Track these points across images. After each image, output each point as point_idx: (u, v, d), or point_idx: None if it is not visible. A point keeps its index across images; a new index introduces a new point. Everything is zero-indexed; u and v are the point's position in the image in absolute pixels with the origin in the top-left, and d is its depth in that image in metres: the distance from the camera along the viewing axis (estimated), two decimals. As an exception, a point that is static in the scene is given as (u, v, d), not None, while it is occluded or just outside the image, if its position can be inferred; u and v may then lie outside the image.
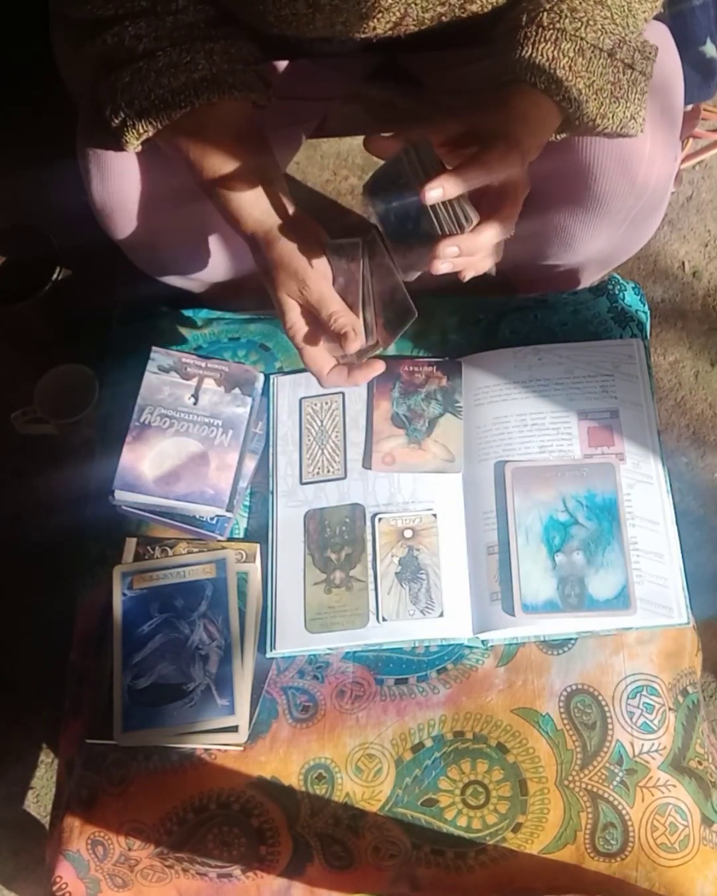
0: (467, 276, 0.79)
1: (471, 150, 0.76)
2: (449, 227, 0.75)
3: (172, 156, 0.87)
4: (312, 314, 0.81)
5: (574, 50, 0.79)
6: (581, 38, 0.79)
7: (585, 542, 0.89)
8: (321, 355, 0.83)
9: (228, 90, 0.83)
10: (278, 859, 0.86)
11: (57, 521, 1.14)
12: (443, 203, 0.75)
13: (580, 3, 0.80)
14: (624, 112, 0.82)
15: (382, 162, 0.80)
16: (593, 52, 0.79)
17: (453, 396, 0.98)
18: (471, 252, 0.75)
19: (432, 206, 0.75)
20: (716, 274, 1.51)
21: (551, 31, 0.79)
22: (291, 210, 0.83)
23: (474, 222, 0.75)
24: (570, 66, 0.79)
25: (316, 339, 0.82)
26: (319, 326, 0.82)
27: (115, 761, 0.89)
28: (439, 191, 0.73)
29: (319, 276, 0.80)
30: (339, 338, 0.79)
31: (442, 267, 0.75)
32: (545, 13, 0.80)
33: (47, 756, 1.32)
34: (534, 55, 0.79)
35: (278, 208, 0.83)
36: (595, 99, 0.80)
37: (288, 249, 0.81)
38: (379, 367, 0.84)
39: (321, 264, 0.81)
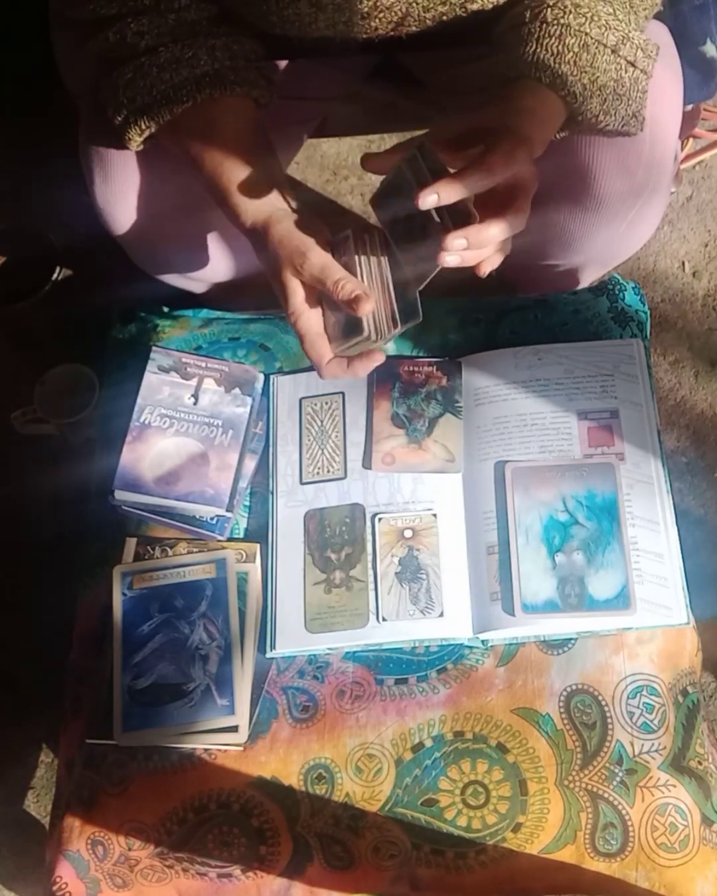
0: (485, 269, 0.78)
1: (476, 150, 0.76)
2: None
3: (176, 153, 0.87)
4: (316, 298, 0.80)
5: (579, 45, 0.79)
6: (586, 34, 0.79)
7: (585, 542, 0.90)
8: (322, 343, 0.82)
9: (230, 86, 0.83)
10: (278, 859, 0.86)
11: (57, 521, 1.14)
12: (446, 207, 0.75)
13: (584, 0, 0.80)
14: (626, 110, 0.83)
15: None
16: (597, 47, 0.80)
17: (453, 396, 0.98)
18: (480, 245, 0.74)
19: (438, 210, 0.75)
20: (716, 274, 1.51)
21: (556, 27, 0.79)
22: (293, 204, 0.83)
23: (477, 221, 0.75)
24: (575, 62, 0.79)
25: (318, 326, 0.81)
26: (320, 314, 0.80)
27: (115, 761, 0.89)
28: (433, 196, 0.73)
29: (319, 250, 0.78)
30: (349, 303, 0.77)
31: (450, 260, 0.74)
32: (549, 9, 0.80)
33: (47, 756, 1.32)
34: (539, 51, 0.79)
35: (280, 202, 0.83)
36: (599, 95, 0.81)
37: (288, 230, 0.80)
38: (379, 359, 0.82)
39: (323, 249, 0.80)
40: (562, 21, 0.79)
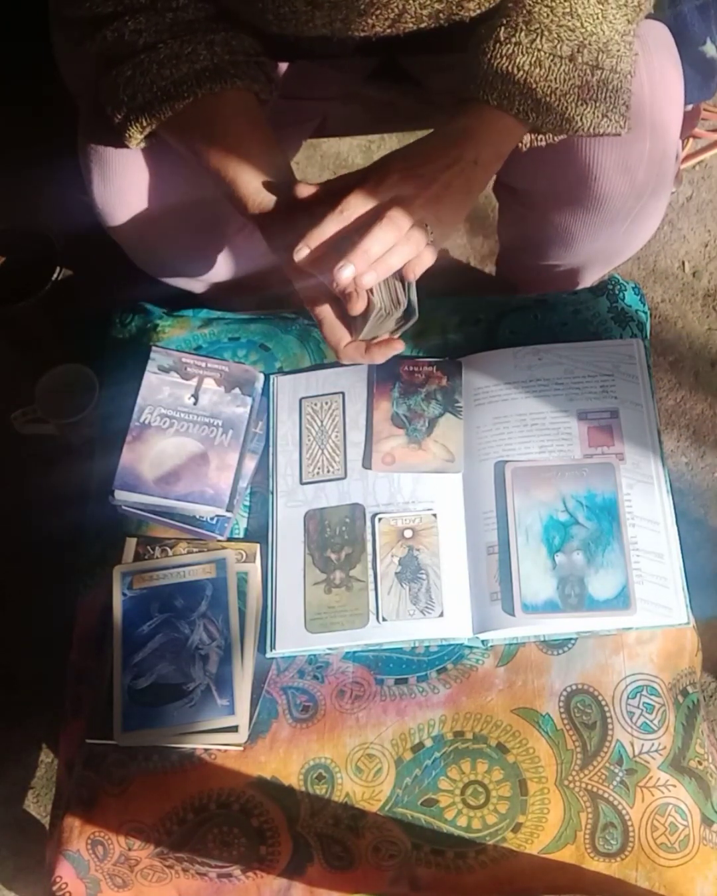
0: (415, 270, 0.80)
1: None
2: None
3: (178, 149, 0.87)
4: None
5: (530, 62, 0.79)
6: (538, 49, 0.79)
7: (585, 542, 0.89)
8: (340, 328, 0.82)
9: (230, 80, 0.83)
10: (278, 859, 0.86)
11: (57, 521, 1.14)
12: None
13: (540, 13, 0.79)
14: (595, 112, 0.82)
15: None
16: (551, 60, 0.79)
17: (453, 396, 0.98)
18: (366, 262, 0.76)
19: None
20: (716, 274, 1.51)
21: (508, 46, 0.79)
22: (299, 192, 0.83)
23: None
24: (525, 79, 0.79)
25: (335, 309, 0.82)
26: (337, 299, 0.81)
27: (116, 761, 0.89)
28: (305, 250, 0.77)
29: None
30: (344, 297, 0.78)
31: (364, 280, 0.76)
32: (503, 28, 0.80)
33: (47, 756, 1.32)
34: (487, 72, 0.80)
35: (285, 188, 0.83)
36: (559, 104, 0.80)
37: (295, 215, 0.80)
38: (397, 347, 0.83)
39: None
40: (514, 39, 0.79)
